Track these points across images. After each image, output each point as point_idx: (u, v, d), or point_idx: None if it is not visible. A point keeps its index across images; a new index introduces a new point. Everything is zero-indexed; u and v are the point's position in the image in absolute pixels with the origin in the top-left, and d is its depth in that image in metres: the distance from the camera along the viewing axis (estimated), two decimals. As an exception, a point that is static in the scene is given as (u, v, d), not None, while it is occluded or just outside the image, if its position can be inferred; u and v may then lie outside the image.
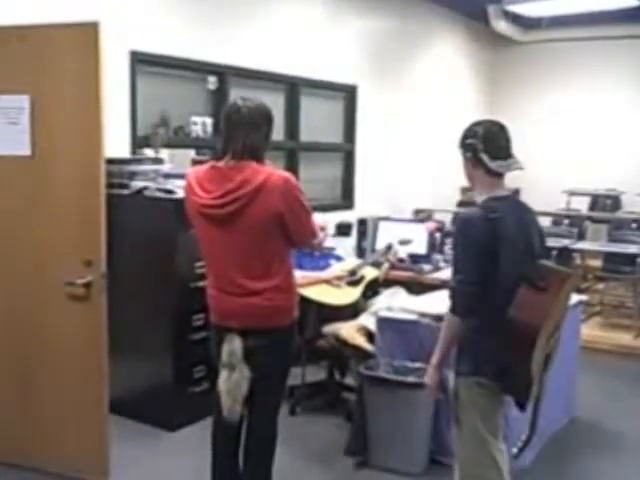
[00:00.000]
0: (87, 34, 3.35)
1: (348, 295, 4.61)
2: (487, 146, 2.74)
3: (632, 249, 6.89)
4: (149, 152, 4.77)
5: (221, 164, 2.84)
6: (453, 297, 2.73)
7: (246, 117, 2.81)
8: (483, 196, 2.78)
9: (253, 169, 2.77)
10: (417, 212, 7.88)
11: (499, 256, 2.64)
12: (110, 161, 4.36)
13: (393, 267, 5.09)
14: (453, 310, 2.73)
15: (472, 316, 2.70)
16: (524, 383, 2.65)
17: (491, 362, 2.67)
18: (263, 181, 2.74)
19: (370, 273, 4.87)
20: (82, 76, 3.40)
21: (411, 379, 3.74)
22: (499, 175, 2.79)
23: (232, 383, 2.85)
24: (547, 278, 2.67)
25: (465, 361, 2.76)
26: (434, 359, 2.83)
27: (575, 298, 4.43)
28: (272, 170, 2.81)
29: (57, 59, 3.45)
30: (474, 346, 2.73)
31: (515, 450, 2.98)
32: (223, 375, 2.88)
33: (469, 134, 2.80)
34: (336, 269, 4.84)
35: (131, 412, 4.37)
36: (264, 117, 2.88)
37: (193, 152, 5.27)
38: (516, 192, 9.27)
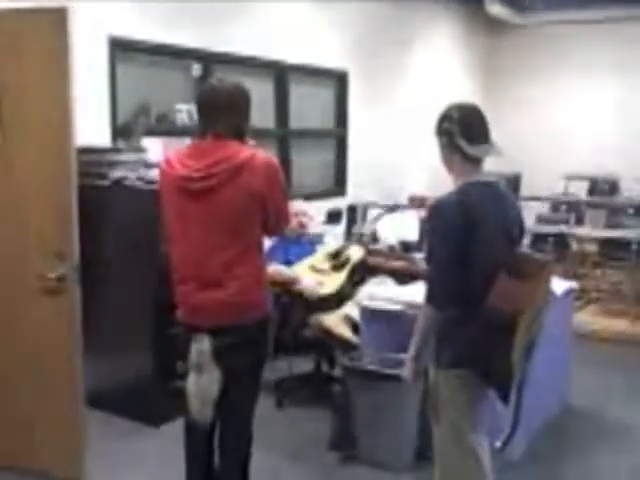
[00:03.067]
0: (56, 19, 3.26)
1: (333, 281, 4.51)
2: (463, 130, 2.65)
3: (628, 235, 6.78)
4: (129, 141, 4.66)
5: (203, 142, 2.75)
6: (429, 287, 2.66)
7: (225, 98, 2.73)
8: (460, 182, 2.69)
9: (236, 147, 2.69)
10: (412, 199, 7.77)
11: (476, 243, 2.56)
12: (88, 150, 4.29)
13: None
14: (429, 300, 2.65)
15: (449, 306, 2.62)
16: (505, 373, 2.60)
17: (471, 353, 2.61)
18: (245, 159, 2.65)
19: (355, 254, 4.75)
20: (51, 62, 3.30)
21: (394, 371, 3.64)
22: (477, 161, 2.69)
23: (201, 385, 2.72)
24: (525, 266, 2.58)
25: (444, 353, 2.70)
26: (410, 351, 2.76)
27: (566, 285, 4.34)
28: (255, 150, 2.72)
29: (25, 44, 3.34)
30: (453, 337, 2.66)
31: (499, 444, 2.90)
32: (191, 377, 2.75)
33: (445, 118, 2.71)
34: (320, 253, 4.74)
35: (113, 407, 4.29)
36: (243, 97, 2.80)
37: (188, 140, 5.11)
38: (516, 177, 9.22)
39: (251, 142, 2.82)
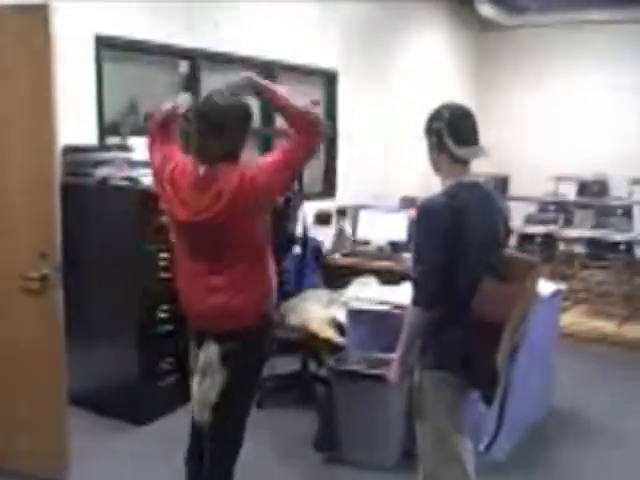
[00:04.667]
0: (37, 16, 3.21)
1: None
2: (452, 131, 2.64)
3: (616, 236, 6.79)
4: (116, 139, 4.62)
5: (200, 170, 2.66)
6: (416, 289, 2.64)
7: (224, 118, 2.62)
8: (447, 183, 2.67)
9: (225, 174, 2.60)
10: (404, 199, 7.75)
11: (463, 245, 2.55)
12: (74, 149, 4.27)
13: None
14: (416, 302, 2.64)
15: (436, 308, 2.60)
16: (490, 376, 2.58)
17: (456, 355, 2.60)
18: (237, 186, 2.58)
19: None
20: (33, 60, 3.26)
21: (379, 371, 3.62)
22: (465, 162, 2.68)
23: (203, 390, 2.75)
24: (512, 268, 2.57)
25: (429, 355, 2.68)
26: (397, 353, 2.74)
27: (553, 287, 4.33)
28: (243, 168, 2.63)
29: (7, 42, 3.30)
30: (438, 339, 2.65)
31: (482, 446, 2.88)
32: (195, 380, 2.79)
33: (435, 117, 2.70)
34: None
35: (97, 406, 4.27)
36: (242, 116, 2.68)
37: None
38: (504, 178, 9.23)
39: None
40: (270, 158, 2.68)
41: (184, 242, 2.77)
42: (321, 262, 4.91)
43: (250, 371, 2.84)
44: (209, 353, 2.73)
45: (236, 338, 2.72)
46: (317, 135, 2.71)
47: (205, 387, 2.75)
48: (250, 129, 2.72)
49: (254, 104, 6.31)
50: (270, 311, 2.86)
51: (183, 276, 2.82)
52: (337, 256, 5.53)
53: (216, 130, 2.61)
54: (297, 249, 4.88)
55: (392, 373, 2.79)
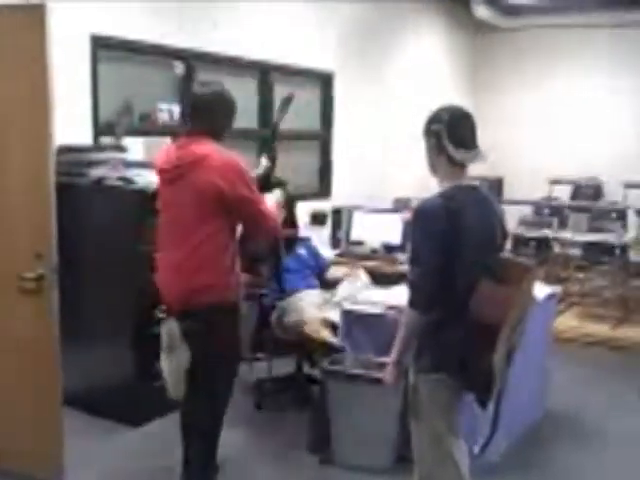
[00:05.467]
0: (33, 16, 3.20)
1: None
2: (451, 134, 2.64)
3: (611, 239, 6.80)
4: (111, 139, 4.61)
5: (181, 139, 3.06)
6: (413, 291, 2.63)
7: (204, 102, 3.03)
8: (445, 185, 2.67)
9: (199, 144, 2.95)
10: (397, 201, 7.76)
11: (460, 246, 2.55)
12: (68, 149, 4.25)
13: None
14: (412, 304, 2.63)
15: (432, 310, 2.60)
16: (486, 379, 2.58)
17: (452, 358, 2.60)
18: (201, 157, 2.90)
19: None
20: (29, 60, 3.25)
21: (374, 374, 3.62)
22: (462, 165, 2.68)
23: (173, 365, 2.96)
24: (508, 271, 2.57)
25: (425, 357, 2.68)
26: (393, 355, 2.74)
27: (547, 290, 4.33)
28: (215, 150, 2.94)
29: (1, 42, 3.29)
30: (434, 341, 2.65)
31: (477, 448, 2.88)
32: (162, 357, 3.01)
33: (434, 119, 2.70)
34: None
35: (92, 407, 4.24)
36: (221, 102, 3.06)
37: (169, 140, 5.06)
38: (499, 180, 9.24)
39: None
40: (245, 191, 2.94)
41: (162, 220, 3.07)
42: (323, 279, 4.91)
43: (212, 350, 2.96)
44: (169, 330, 2.97)
45: (194, 317, 2.93)
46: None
47: (174, 364, 2.96)
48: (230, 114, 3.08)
49: (253, 104, 6.37)
50: (233, 299, 3.02)
51: (159, 251, 3.09)
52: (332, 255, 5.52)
53: (202, 110, 3.02)
54: (301, 249, 4.88)
55: (387, 374, 2.79)
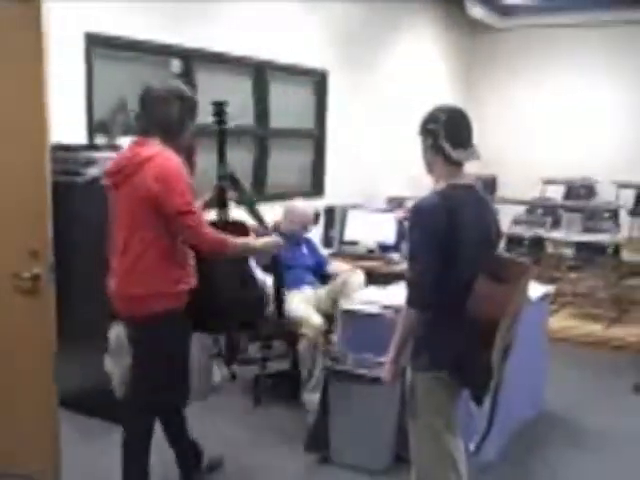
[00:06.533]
0: (29, 11, 3.16)
1: None
2: (448, 133, 2.65)
3: (604, 239, 6.83)
4: (105, 138, 4.60)
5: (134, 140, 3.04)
6: (411, 289, 2.64)
7: (154, 95, 2.99)
8: (441, 184, 2.68)
9: (147, 146, 2.91)
10: (391, 200, 7.76)
11: (457, 245, 2.56)
12: (63, 147, 4.23)
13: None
14: (410, 303, 2.64)
15: (430, 309, 2.61)
16: (483, 376, 2.60)
17: (449, 356, 2.61)
18: (144, 159, 2.86)
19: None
20: (25, 57, 3.21)
21: (373, 373, 3.62)
22: (459, 164, 2.69)
23: (118, 368, 3.17)
24: (506, 269, 2.58)
25: (422, 355, 2.69)
26: (390, 354, 2.75)
27: (541, 290, 4.34)
28: (160, 152, 2.88)
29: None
30: (431, 340, 2.66)
31: (472, 446, 2.89)
32: (108, 359, 3.28)
33: (431, 119, 2.71)
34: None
35: (87, 407, 4.23)
36: (173, 94, 3.00)
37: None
38: (492, 179, 9.25)
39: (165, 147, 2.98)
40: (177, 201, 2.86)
41: (112, 225, 3.08)
42: (324, 274, 4.93)
43: (155, 358, 2.99)
44: (116, 334, 3.13)
45: (136, 326, 2.99)
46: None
47: (119, 367, 3.13)
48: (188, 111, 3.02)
49: (250, 103, 6.34)
50: (178, 307, 2.96)
51: (110, 260, 3.10)
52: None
53: (151, 109, 2.99)
54: (304, 249, 4.89)
55: (385, 373, 2.79)
